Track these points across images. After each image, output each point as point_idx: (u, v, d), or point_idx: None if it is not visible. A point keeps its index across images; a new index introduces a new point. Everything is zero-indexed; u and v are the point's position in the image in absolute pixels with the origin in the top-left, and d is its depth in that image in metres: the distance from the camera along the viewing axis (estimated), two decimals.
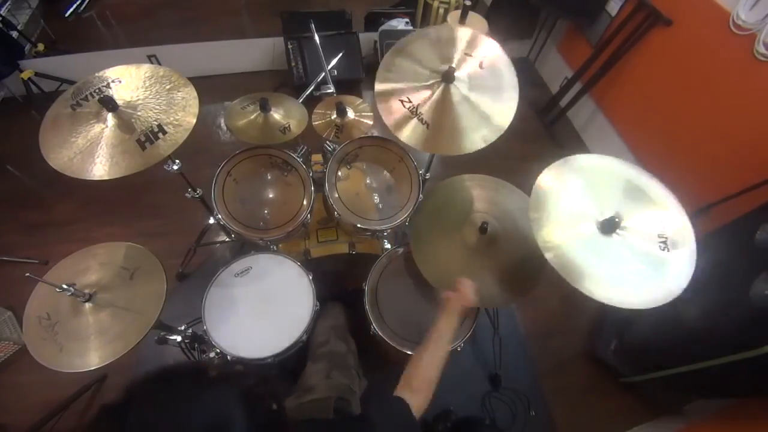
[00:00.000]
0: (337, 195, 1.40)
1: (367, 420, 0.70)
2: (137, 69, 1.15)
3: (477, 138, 1.11)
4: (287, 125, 1.53)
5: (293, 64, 2.77)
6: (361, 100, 1.77)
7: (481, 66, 1.16)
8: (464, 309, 1.03)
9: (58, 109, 1.06)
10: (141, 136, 1.04)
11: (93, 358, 0.96)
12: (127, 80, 1.13)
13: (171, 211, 2.28)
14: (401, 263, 1.44)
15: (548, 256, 0.92)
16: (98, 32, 3.26)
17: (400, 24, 2.98)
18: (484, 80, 1.15)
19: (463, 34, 1.18)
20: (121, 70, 1.14)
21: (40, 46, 2.72)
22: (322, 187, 1.37)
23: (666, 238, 0.97)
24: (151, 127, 1.06)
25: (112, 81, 1.11)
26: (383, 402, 0.78)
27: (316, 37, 1.95)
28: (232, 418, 0.46)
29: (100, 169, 0.99)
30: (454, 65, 1.12)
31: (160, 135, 1.06)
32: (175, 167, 1.33)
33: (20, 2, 2.91)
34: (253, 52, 3.00)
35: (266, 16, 3.17)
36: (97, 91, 1.08)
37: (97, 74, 1.13)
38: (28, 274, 0.94)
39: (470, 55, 1.16)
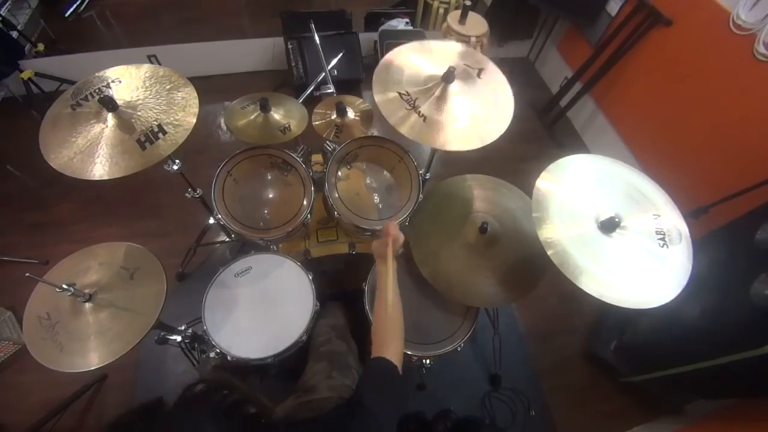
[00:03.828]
0: (337, 195, 1.40)
1: (355, 401, 0.71)
2: (137, 69, 1.15)
3: (471, 139, 1.12)
4: (287, 125, 1.53)
5: (293, 64, 2.77)
6: (361, 100, 1.77)
7: (479, 75, 1.20)
8: (395, 247, 1.03)
9: (58, 109, 1.06)
10: (141, 136, 1.04)
11: (93, 358, 0.96)
12: (127, 80, 1.13)
13: (171, 211, 2.28)
14: (401, 263, 1.44)
15: (549, 252, 0.92)
16: (98, 32, 3.26)
17: (400, 24, 2.98)
18: (481, 87, 1.18)
19: (461, 48, 1.24)
20: (121, 70, 1.14)
21: (40, 46, 2.72)
22: (322, 187, 1.37)
23: (664, 234, 0.97)
24: (151, 127, 1.06)
25: (112, 81, 1.12)
26: (366, 369, 0.81)
27: (316, 37, 1.95)
28: None
29: (100, 169, 0.99)
30: (453, 66, 1.12)
31: (160, 135, 1.06)
32: (175, 167, 1.34)
33: (20, 2, 2.91)
34: (253, 52, 3.00)
35: (266, 16, 3.17)
36: (97, 91, 1.09)
37: (97, 74, 1.13)
38: (28, 274, 0.94)
39: (469, 66, 1.20)
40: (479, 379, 1.91)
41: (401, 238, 1.05)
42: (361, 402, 0.70)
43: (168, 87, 1.13)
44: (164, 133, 1.06)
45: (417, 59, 1.21)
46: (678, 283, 0.93)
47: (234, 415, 0.53)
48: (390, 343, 0.84)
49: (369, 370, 0.80)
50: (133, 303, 1.04)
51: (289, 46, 2.76)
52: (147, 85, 1.12)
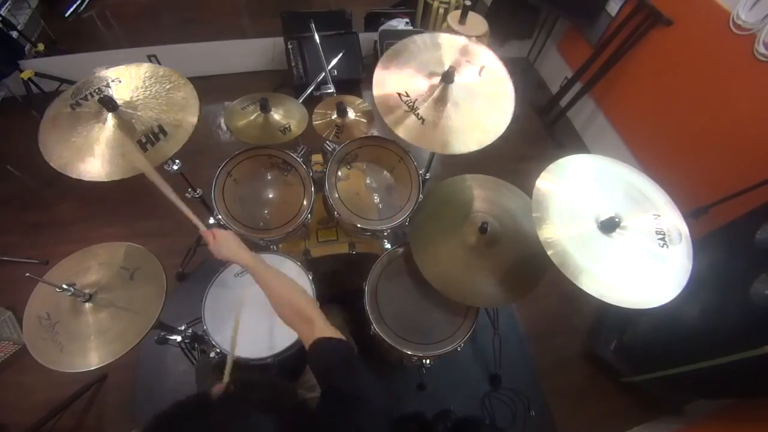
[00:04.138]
0: (337, 195, 1.40)
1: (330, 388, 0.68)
2: (137, 69, 1.15)
3: (470, 140, 1.11)
4: (287, 125, 1.53)
5: (293, 64, 2.77)
6: (361, 100, 1.77)
7: (480, 74, 1.18)
8: (235, 244, 0.95)
9: (58, 108, 1.06)
10: (142, 137, 1.05)
11: (93, 358, 0.96)
12: (127, 80, 1.13)
13: (171, 211, 2.23)
14: (401, 263, 1.44)
15: (549, 252, 0.92)
16: (98, 32, 3.26)
17: (400, 24, 2.98)
18: (482, 87, 1.17)
19: (463, 42, 1.21)
20: (122, 70, 1.14)
21: (40, 46, 2.71)
22: (322, 187, 1.37)
23: (664, 234, 0.97)
24: (152, 128, 1.06)
25: (112, 81, 1.12)
26: (317, 357, 0.73)
27: (316, 37, 1.95)
28: (256, 426, 0.46)
29: (101, 170, 1.00)
30: (454, 66, 1.12)
31: (161, 136, 1.06)
32: (175, 167, 1.33)
33: (20, 2, 2.91)
34: (253, 52, 3.00)
35: (266, 16, 3.17)
36: (96, 90, 1.09)
37: (97, 74, 1.13)
38: (28, 274, 0.94)
39: (470, 62, 1.19)
40: (479, 379, 1.91)
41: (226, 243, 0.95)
42: (339, 385, 0.66)
43: (168, 87, 1.13)
44: (165, 134, 1.06)
45: (417, 57, 1.19)
46: (678, 283, 0.93)
47: (277, 407, 0.54)
48: (315, 317, 0.77)
49: (324, 353, 0.73)
50: (133, 303, 1.04)
51: (289, 46, 2.75)
52: (147, 85, 1.12)
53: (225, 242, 0.96)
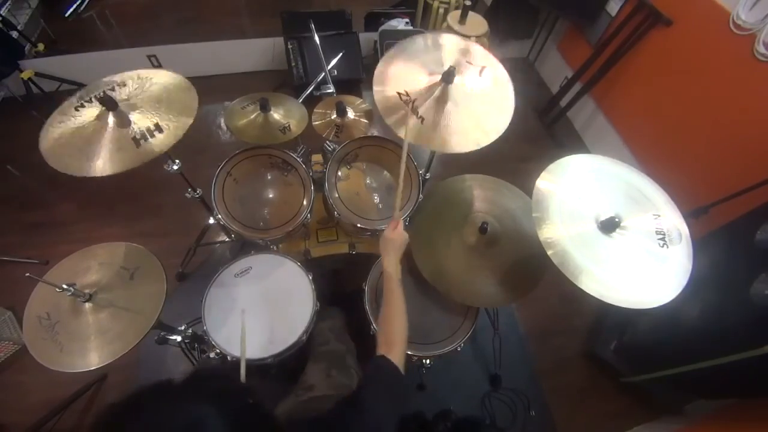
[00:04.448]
0: (337, 195, 1.40)
1: (357, 399, 0.72)
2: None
3: (470, 140, 1.11)
4: (287, 125, 1.53)
5: (293, 64, 2.77)
6: (360, 100, 1.77)
7: (480, 74, 1.19)
8: (398, 248, 1.07)
9: (63, 111, 1.06)
10: (137, 134, 1.04)
11: (93, 358, 0.96)
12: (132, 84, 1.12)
13: (171, 211, 2.28)
14: (401, 263, 1.44)
15: (549, 252, 0.92)
16: (98, 32, 3.26)
17: (400, 24, 2.98)
18: (482, 88, 1.17)
19: (464, 44, 1.22)
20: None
21: (40, 46, 2.71)
22: (322, 187, 1.37)
23: (664, 234, 0.97)
24: (148, 126, 1.06)
25: (117, 84, 1.11)
26: (368, 366, 0.81)
27: (316, 37, 1.95)
28: (203, 416, 0.47)
29: (100, 165, 0.99)
30: (454, 66, 1.12)
31: (156, 133, 1.06)
32: (175, 167, 1.33)
33: (20, 2, 2.91)
34: (253, 52, 3.00)
35: (266, 16, 3.17)
36: (101, 94, 1.08)
37: (104, 79, 1.13)
38: (28, 274, 0.93)
39: (471, 63, 1.19)
40: (479, 379, 1.91)
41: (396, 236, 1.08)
42: (363, 400, 0.70)
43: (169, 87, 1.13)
44: (161, 131, 1.06)
45: (417, 58, 1.20)
46: (678, 283, 0.93)
47: (229, 400, 0.54)
48: (397, 344, 0.85)
49: (374, 369, 0.80)
50: (133, 303, 1.04)
51: (289, 46, 2.76)
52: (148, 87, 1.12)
53: (393, 242, 1.06)
